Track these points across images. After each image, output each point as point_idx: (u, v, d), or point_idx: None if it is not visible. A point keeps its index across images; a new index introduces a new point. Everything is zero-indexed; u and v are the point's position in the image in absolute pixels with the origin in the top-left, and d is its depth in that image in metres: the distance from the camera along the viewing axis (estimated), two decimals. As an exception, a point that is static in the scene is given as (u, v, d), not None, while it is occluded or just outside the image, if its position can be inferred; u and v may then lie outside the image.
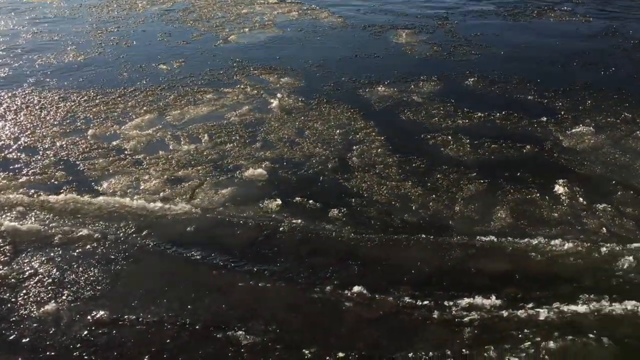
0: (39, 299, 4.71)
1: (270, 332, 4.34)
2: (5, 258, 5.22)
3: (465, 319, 4.41)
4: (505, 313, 4.45)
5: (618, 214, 5.66)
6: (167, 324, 4.42)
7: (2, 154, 7.11)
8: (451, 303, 4.56)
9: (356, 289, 4.72)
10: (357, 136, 7.35)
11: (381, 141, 7.16)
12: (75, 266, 5.11)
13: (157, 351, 4.17)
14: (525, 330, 4.29)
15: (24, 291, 4.81)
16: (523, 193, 6.03)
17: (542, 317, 4.40)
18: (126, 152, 7.14)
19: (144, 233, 5.54)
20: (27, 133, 7.66)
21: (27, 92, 9.05)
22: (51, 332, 4.39)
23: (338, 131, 7.50)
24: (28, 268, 5.09)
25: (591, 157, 6.73)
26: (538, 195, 5.99)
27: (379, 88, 8.93)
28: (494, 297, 4.59)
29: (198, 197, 6.12)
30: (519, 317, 4.42)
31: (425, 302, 4.59)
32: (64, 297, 4.72)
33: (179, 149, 7.21)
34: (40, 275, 4.98)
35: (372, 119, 7.79)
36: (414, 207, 5.86)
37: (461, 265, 5.06)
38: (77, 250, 5.31)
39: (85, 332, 4.36)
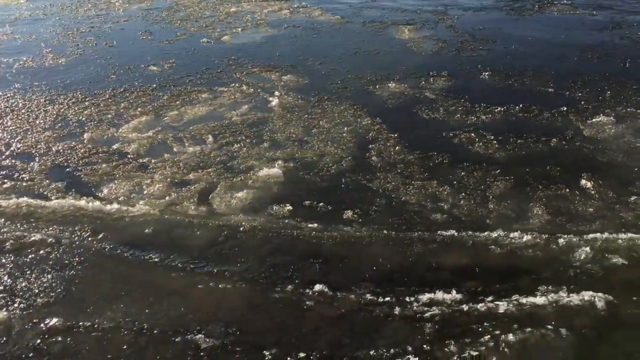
0: (-11, 307, 4.33)
1: (230, 334, 4.10)
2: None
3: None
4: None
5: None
6: (124, 329, 4.17)
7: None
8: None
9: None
10: (371, 134, 6.91)
11: (395, 139, 6.73)
12: (28, 272, 4.76)
13: (114, 358, 3.95)
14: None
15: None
16: (552, 189, 5.75)
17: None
18: (129, 156, 6.58)
19: (100, 236, 5.17)
20: (17, 138, 7.01)
21: (9, 95, 8.36)
22: (2, 341, 4.08)
23: (346, 128, 7.05)
24: (-23, 276, 4.65)
25: (612, 146, 6.55)
26: (567, 190, 5.73)
27: (390, 85, 8.47)
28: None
29: (214, 202, 5.65)
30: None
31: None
32: (15, 305, 4.40)
33: (184, 151, 6.67)
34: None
35: (385, 116, 7.34)
36: (445, 207, 5.45)
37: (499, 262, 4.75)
38: (30, 256, 4.95)
39: (39, 341, 4.08)
